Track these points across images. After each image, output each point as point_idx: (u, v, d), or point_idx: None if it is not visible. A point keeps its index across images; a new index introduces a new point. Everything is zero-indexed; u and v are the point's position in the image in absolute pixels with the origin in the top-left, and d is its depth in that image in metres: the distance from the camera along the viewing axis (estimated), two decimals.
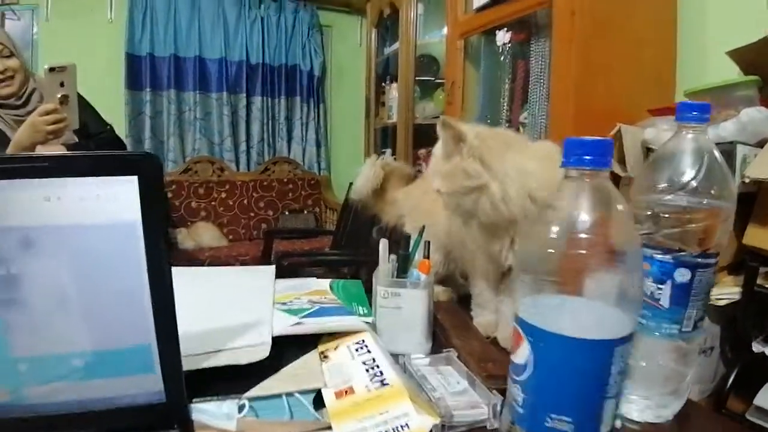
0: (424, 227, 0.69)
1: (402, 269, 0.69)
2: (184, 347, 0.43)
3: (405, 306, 0.67)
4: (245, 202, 3.48)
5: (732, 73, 1.39)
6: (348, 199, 2.72)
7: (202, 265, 2.83)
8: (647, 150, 1.37)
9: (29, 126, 1.28)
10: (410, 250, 0.69)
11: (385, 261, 0.69)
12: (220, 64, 3.43)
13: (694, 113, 0.53)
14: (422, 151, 2.51)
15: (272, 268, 0.87)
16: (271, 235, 2.72)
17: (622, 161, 1.36)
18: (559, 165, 0.67)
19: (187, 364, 0.44)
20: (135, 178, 0.37)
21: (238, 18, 3.47)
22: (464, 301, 0.92)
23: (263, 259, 2.63)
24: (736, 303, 1.14)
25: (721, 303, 1.16)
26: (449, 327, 0.70)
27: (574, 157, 0.38)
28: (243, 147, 3.58)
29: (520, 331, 0.40)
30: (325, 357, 0.56)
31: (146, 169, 0.37)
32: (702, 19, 1.59)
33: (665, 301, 0.53)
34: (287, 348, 0.56)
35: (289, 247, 3.05)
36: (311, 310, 0.66)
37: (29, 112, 1.33)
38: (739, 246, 1.19)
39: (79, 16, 3.10)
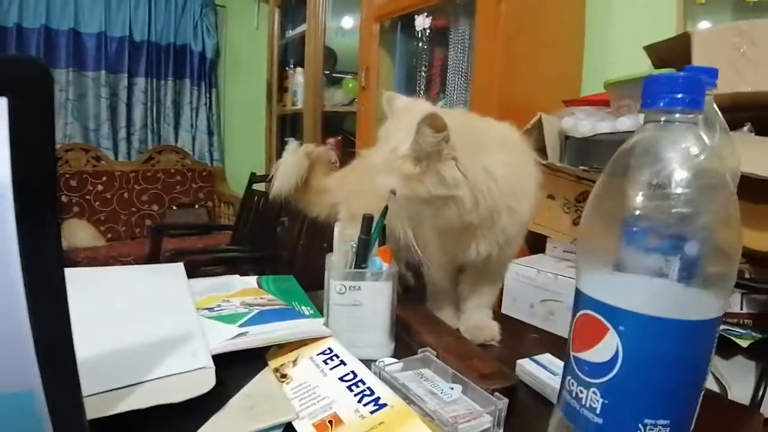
0: (387, 207, 0.58)
1: (362, 258, 0.57)
2: (87, 384, 0.27)
3: (366, 302, 0.56)
4: (126, 195, 3.09)
5: (632, 69, 1.46)
6: (249, 191, 2.51)
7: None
8: (565, 138, 1.39)
9: None
10: (372, 233, 0.57)
11: (342, 248, 0.57)
12: (98, 40, 3.02)
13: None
14: (331, 140, 2.38)
15: (180, 266, 0.70)
16: (160, 231, 2.42)
17: (539, 150, 1.37)
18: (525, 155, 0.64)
19: (94, 410, 0.29)
20: (3, 102, 0.21)
21: None
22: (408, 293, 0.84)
23: (151, 260, 2.32)
24: None
25: None
26: (414, 322, 0.60)
27: (665, 97, 0.30)
28: (123, 133, 3.19)
29: (602, 319, 0.31)
30: (284, 376, 0.42)
31: (25, 83, 0.21)
32: (607, 19, 1.67)
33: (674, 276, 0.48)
34: (227, 368, 0.42)
35: (179, 245, 2.74)
36: (250, 316, 0.51)
37: None
38: None
39: None
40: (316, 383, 0.40)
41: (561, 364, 0.61)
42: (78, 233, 2.75)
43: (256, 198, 2.44)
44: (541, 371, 0.58)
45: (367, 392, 0.38)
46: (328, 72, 2.47)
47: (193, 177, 3.36)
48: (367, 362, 0.50)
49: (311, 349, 0.45)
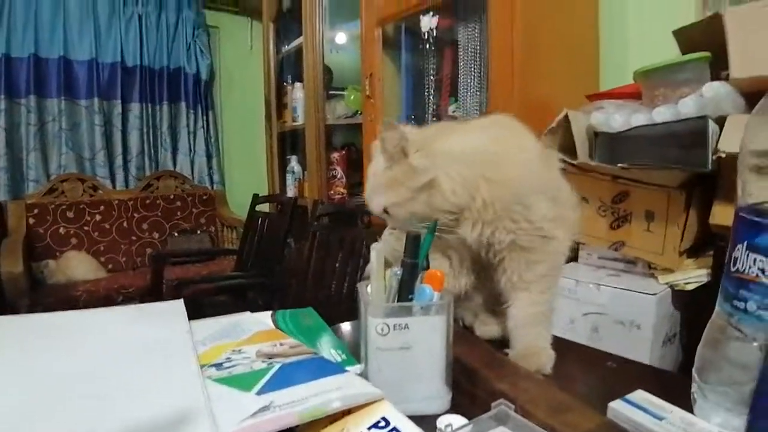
0: (435, 222, 0.47)
1: (408, 286, 0.45)
2: None
3: (416, 343, 0.44)
4: (125, 224, 2.99)
5: (652, 58, 1.36)
6: (252, 213, 2.39)
7: (77, 303, 2.33)
8: (594, 134, 1.28)
9: None
10: (419, 255, 0.45)
11: (380, 278, 0.45)
12: (89, 67, 2.94)
13: None
14: (336, 155, 2.27)
15: (180, 304, 0.58)
16: (161, 259, 2.30)
17: (567, 149, 1.26)
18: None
19: None
20: None
21: (111, 14, 3.00)
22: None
23: (153, 291, 2.20)
24: (703, 286, 1.09)
25: (690, 287, 1.10)
26: (477, 364, 0.47)
27: None
28: (119, 161, 3.10)
29: None
30: None
31: None
32: (622, 8, 1.58)
33: None
34: None
35: (182, 274, 2.63)
36: (271, 374, 0.39)
37: None
38: (700, 227, 1.13)
39: None
40: None
41: (661, 403, 0.49)
42: (77, 266, 2.65)
43: (260, 220, 2.33)
44: (642, 416, 0.45)
45: None
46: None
47: (194, 202, 3.27)
48: (421, 420, 0.38)
49: (359, 419, 0.33)
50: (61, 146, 2.89)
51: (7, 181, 2.72)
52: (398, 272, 0.44)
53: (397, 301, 0.45)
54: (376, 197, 0.58)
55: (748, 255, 0.35)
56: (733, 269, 0.38)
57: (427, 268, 0.49)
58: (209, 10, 3.44)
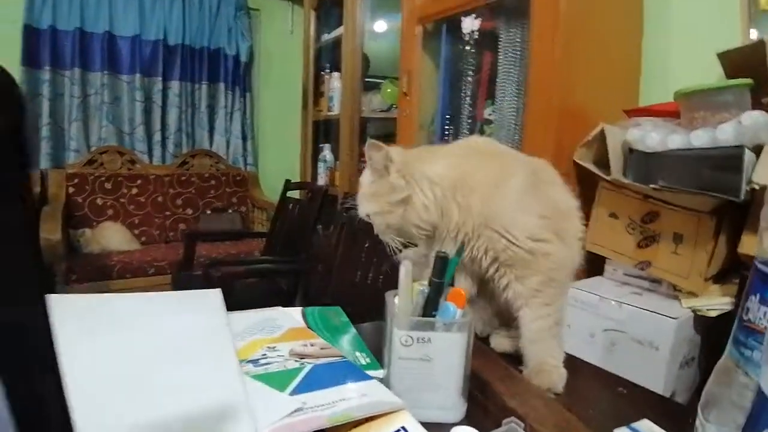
0: (462, 245, 0.49)
1: (433, 303, 0.48)
2: None
3: (436, 356, 0.47)
4: (160, 199, 3.09)
5: (694, 78, 1.34)
6: (283, 198, 2.45)
7: (111, 272, 2.44)
8: (629, 151, 1.27)
9: None
10: (446, 276, 0.48)
11: (408, 291, 0.48)
12: (133, 43, 3.03)
13: None
14: None
15: (218, 294, 0.61)
16: (193, 237, 2.38)
17: (601, 164, 1.26)
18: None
19: None
20: None
21: None
22: None
23: (184, 266, 2.30)
24: (727, 312, 1.08)
25: (713, 314, 1.09)
26: (491, 379, 0.50)
27: None
28: (157, 137, 3.19)
29: None
30: None
31: None
32: (665, 25, 1.55)
33: None
34: None
35: (212, 251, 2.72)
36: (302, 375, 0.42)
37: None
38: (728, 254, 1.12)
39: None
40: None
41: None
42: (112, 236, 2.76)
43: (291, 205, 2.38)
44: None
45: None
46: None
47: (227, 181, 3.35)
48: (434, 426, 0.42)
49: (380, 426, 0.36)
50: (102, 119, 2.99)
51: (49, 149, 2.84)
52: (425, 290, 0.48)
53: (422, 315, 0.48)
54: (362, 205, 0.66)
55: (759, 307, 0.37)
56: (745, 318, 0.39)
57: (452, 285, 0.52)
58: None
